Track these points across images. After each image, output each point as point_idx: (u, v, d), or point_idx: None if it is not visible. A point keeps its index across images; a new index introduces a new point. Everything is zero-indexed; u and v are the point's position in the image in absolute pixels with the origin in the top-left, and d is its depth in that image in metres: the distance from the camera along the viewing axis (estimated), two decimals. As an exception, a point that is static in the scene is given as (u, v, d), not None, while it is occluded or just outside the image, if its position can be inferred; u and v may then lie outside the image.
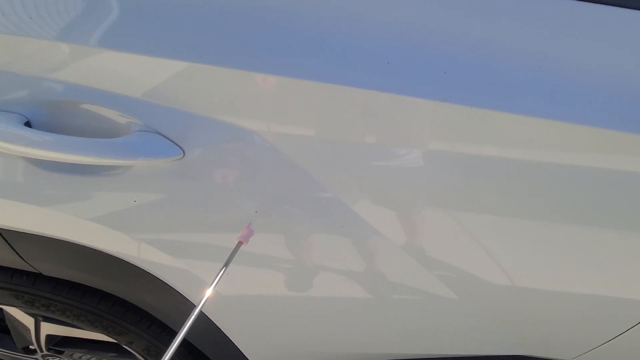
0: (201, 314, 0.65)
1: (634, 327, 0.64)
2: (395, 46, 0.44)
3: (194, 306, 0.64)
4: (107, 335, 0.76)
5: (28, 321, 0.83)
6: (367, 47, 0.44)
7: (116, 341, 0.78)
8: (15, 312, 0.81)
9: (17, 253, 0.61)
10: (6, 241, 0.58)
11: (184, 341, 0.77)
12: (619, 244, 0.55)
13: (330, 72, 0.44)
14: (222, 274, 0.49)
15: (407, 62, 0.44)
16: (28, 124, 0.47)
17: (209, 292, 0.49)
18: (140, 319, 0.73)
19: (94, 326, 0.73)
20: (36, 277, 0.68)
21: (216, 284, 0.49)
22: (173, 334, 0.77)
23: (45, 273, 0.66)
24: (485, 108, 0.43)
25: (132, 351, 0.80)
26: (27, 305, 0.72)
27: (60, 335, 0.89)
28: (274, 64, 0.45)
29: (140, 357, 0.81)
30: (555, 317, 0.67)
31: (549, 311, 0.66)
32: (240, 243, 0.50)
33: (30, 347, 0.92)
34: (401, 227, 0.55)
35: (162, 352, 0.78)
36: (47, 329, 0.84)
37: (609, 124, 0.45)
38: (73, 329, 0.82)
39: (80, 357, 0.94)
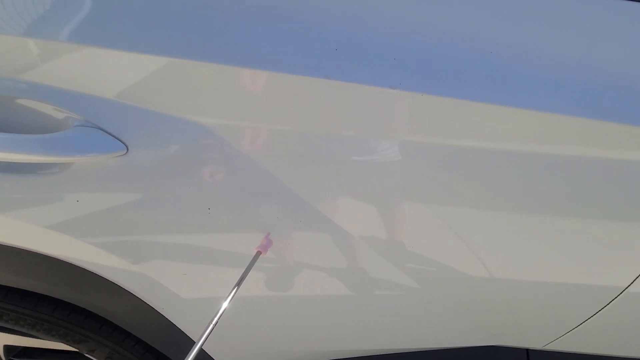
0: (163, 319, 0.63)
1: (598, 313, 0.64)
2: (342, 32, 0.43)
3: (153, 310, 0.62)
4: (67, 344, 0.72)
5: (-17, 332, 0.79)
6: (314, 34, 0.43)
7: (77, 350, 0.74)
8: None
9: (-42, 261, 0.57)
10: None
11: (146, 345, 0.74)
12: (585, 232, 0.55)
13: (276, 60, 0.42)
14: (239, 286, 0.48)
15: (355, 49, 0.42)
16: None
17: (225, 304, 0.47)
18: (100, 325, 0.70)
19: (51, 335, 0.70)
20: (-16, 286, 0.64)
21: (234, 295, 0.47)
22: (137, 340, 0.74)
23: (-10, 281, 0.62)
24: (436, 95, 0.42)
25: None
26: (-23, 315, 0.68)
27: (20, 346, 0.84)
28: (218, 53, 0.43)
29: (104, 365, 0.78)
30: (525, 306, 0.67)
31: (519, 300, 0.66)
32: (259, 253, 0.49)
33: (-10, 358, 0.87)
34: (368, 221, 0.53)
35: (126, 358, 0.75)
36: (4, 339, 0.80)
37: (564, 110, 0.45)
38: (33, 339, 0.78)
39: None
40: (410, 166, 0.47)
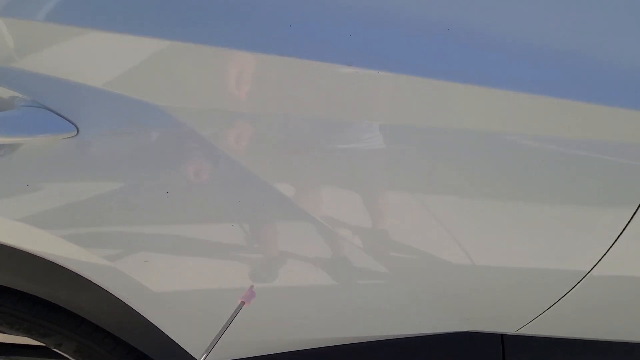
0: (129, 309, 0.61)
1: (564, 297, 0.65)
2: (296, 8, 0.42)
3: (120, 301, 0.60)
4: (31, 338, 0.70)
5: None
6: (267, 10, 0.42)
7: (44, 344, 0.72)
8: None
9: None
10: None
11: (117, 339, 0.72)
12: (549, 216, 0.55)
13: (228, 35, 0.41)
14: (223, 332, 0.49)
15: (310, 25, 0.41)
16: None
17: (210, 348, 0.48)
18: (66, 318, 0.68)
19: (14, 329, 0.67)
20: (-60, 279, 0.62)
21: (217, 341, 0.48)
22: (107, 334, 0.72)
23: (-57, 273, 0.60)
24: (393, 72, 0.41)
25: (62, 354, 0.75)
26: None
27: (-14, 343, 0.82)
28: (174, 30, 0.41)
29: (73, 360, 0.76)
30: (494, 291, 0.68)
31: (488, 285, 0.66)
32: (242, 303, 0.51)
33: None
34: (337, 207, 0.53)
35: (96, 352, 0.74)
36: (-32, 336, 0.77)
37: (522, 88, 0.44)
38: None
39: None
40: (373, 149, 0.47)
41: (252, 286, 0.52)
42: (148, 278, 0.56)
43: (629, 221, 0.53)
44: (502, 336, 0.82)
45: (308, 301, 0.65)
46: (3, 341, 0.84)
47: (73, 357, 0.74)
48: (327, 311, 0.68)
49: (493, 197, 0.53)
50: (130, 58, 0.42)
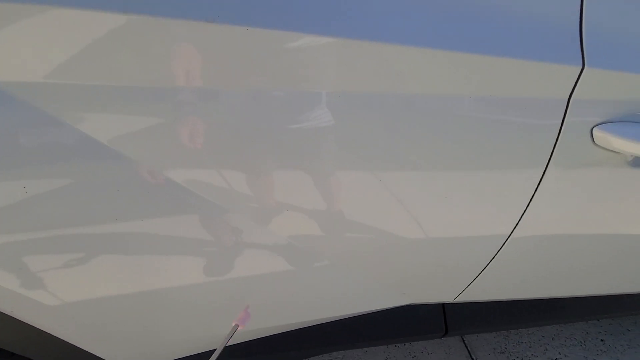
0: (20, 323, 0.54)
1: (492, 261, 0.65)
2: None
3: (4, 315, 0.53)
4: None
5: None
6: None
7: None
8: None
9: None
10: None
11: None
12: (469, 183, 0.53)
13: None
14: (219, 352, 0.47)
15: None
16: None
17: None
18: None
19: None
20: None
21: None
22: (12, 354, 0.65)
23: None
24: (264, 28, 0.36)
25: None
26: None
27: None
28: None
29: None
30: (423, 263, 0.66)
31: (417, 257, 0.65)
32: (236, 326, 0.50)
33: None
34: (256, 182, 0.48)
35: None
36: None
37: (417, 43, 0.41)
38: None
39: None
40: (300, 127, 0.42)
41: (247, 306, 0.51)
42: (26, 286, 0.48)
43: (540, 180, 0.53)
44: (443, 305, 0.82)
45: (248, 291, 0.61)
46: None
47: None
48: (270, 299, 0.64)
49: (411, 168, 0.50)
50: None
